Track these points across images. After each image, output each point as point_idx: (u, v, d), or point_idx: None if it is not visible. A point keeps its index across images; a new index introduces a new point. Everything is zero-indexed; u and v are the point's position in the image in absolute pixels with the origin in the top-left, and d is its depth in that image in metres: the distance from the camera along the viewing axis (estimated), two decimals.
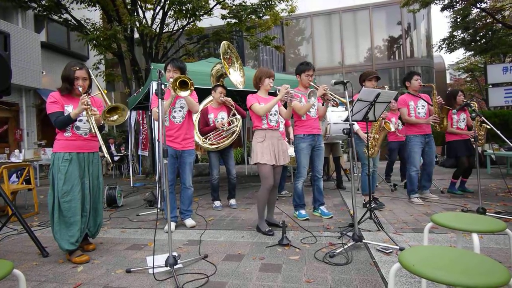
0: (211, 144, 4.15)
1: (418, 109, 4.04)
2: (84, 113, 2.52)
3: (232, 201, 4.33)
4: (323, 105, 3.32)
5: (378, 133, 3.67)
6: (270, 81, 3.07)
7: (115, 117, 2.51)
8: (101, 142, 2.54)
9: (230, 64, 4.02)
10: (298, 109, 3.29)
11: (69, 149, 2.49)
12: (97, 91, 2.66)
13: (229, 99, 4.16)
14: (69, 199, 2.43)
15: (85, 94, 2.47)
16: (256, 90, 3.21)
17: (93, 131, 2.49)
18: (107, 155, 2.59)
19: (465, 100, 4.36)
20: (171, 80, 2.72)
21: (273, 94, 3.22)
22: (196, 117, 4.33)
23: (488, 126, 3.80)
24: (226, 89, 4.23)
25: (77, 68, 2.52)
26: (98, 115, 2.50)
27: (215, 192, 4.31)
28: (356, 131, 3.78)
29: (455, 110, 4.27)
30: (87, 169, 2.57)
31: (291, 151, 4.56)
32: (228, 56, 4.02)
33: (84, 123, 2.55)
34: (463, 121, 4.46)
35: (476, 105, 4.16)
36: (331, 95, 3.04)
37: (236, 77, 4.10)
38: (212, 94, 4.23)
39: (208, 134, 4.17)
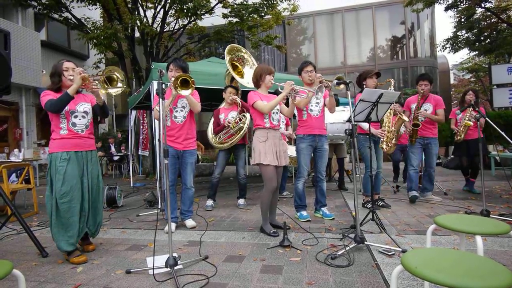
0: (220, 143, 4.16)
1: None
2: (80, 108, 2.50)
3: (240, 201, 4.31)
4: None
5: (393, 126, 3.62)
6: (271, 77, 3.00)
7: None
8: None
9: (243, 64, 4.00)
10: (297, 103, 3.23)
11: (66, 148, 2.44)
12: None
13: (236, 97, 4.15)
14: (68, 199, 2.40)
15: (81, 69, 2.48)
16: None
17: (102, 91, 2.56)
18: (105, 94, 2.62)
19: (470, 98, 4.45)
20: (173, 79, 2.71)
21: (273, 93, 3.18)
22: (209, 120, 4.38)
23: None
24: (238, 89, 4.23)
25: (64, 61, 2.54)
26: (97, 88, 2.52)
27: (212, 190, 4.30)
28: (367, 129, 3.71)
29: (458, 111, 4.28)
30: (85, 167, 2.54)
31: (291, 150, 4.54)
32: (237, 58, 4.00)
33: (80, 119, 2.52)
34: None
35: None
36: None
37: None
38: (223, 95, 4.27)
39: (219, 134, 4.20)
